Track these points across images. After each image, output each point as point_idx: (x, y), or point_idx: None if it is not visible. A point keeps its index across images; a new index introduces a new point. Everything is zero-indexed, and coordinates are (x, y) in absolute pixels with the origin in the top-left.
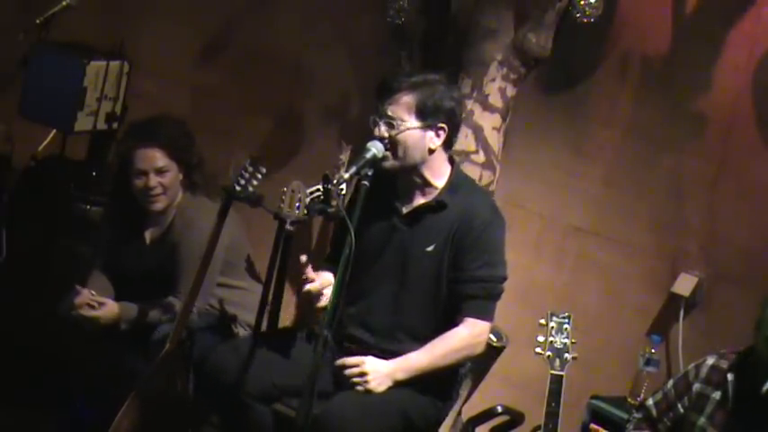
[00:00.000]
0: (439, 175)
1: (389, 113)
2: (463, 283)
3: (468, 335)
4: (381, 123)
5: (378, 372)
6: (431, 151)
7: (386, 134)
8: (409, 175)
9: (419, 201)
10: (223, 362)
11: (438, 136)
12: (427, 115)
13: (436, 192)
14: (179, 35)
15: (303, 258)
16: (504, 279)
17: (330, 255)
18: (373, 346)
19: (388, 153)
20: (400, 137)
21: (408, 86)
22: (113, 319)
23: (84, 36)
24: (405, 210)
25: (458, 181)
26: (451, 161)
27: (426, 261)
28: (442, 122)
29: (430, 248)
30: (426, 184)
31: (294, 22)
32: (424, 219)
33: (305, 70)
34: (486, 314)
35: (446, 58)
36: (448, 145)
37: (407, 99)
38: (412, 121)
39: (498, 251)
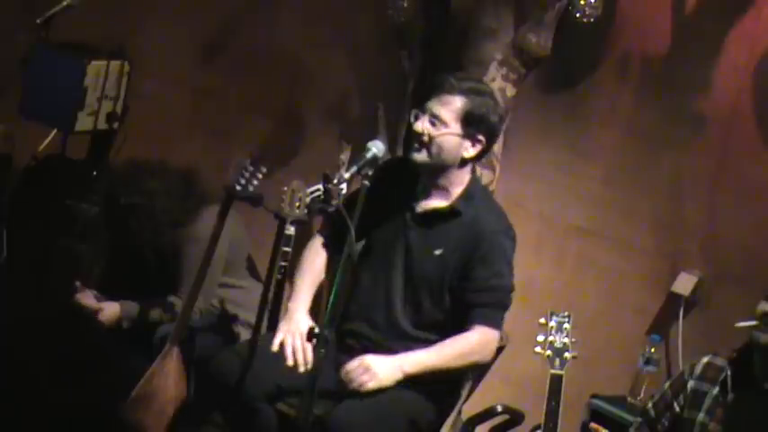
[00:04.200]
0: (459, 182)
1: (436, 113)
2: (474, 292)
3: (477, 341)
4: (425, 118)
5: (382, 363)
6: (462, 160)
7: (425, 130)
8: (431, 177)
9: (434, 204)
10: (225, 365)
11: (474, 146)
12: (471, 124)
13: (452, 198)
14: (179, 35)
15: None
16: (512, 290)
17: (328, 233)
18: (374, 342)
19: (422, 152)
20: (439, 139)
21: (462, 91)
22: (115, 317)
23: (85, 36)
24: (419, 210)
25: (474, 190)
26: (472, 170)
27: (432, 264)
28: (482, 135)
29: (437, 252)
30: (444, 189)
31: (294, 22)
32: (436, 223)
33: (305, 70)
34: (495, 323)
35: (446, 58)
36: (478, 157)
37: (458, 104)
38: (455, 127)
39: (507, 262)
